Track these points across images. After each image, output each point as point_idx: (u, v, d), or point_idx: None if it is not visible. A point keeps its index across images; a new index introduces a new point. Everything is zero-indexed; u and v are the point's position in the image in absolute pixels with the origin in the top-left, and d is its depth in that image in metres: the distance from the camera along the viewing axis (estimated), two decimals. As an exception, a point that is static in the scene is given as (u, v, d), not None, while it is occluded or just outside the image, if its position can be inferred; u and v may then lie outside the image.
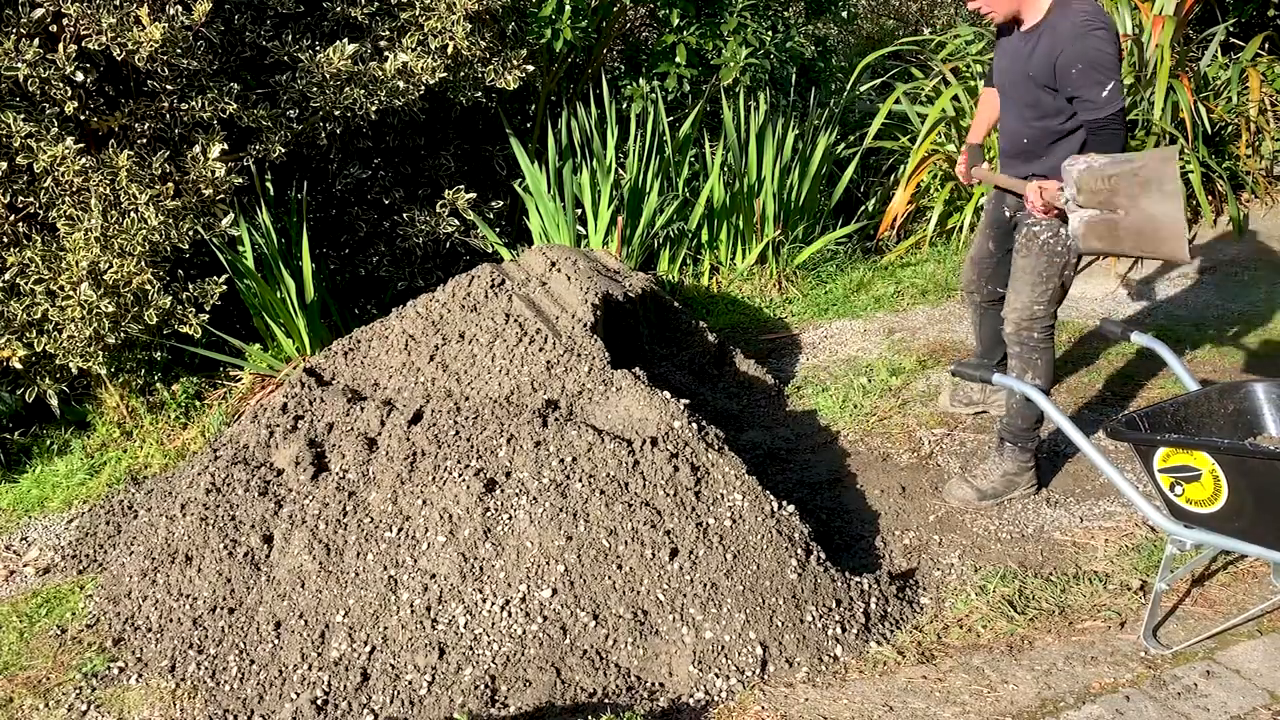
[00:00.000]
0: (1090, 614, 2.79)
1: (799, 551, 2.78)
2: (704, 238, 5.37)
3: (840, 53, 7.50)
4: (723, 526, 2.80)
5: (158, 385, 4.26)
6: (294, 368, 4.14)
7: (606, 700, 2.54)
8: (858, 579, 2.81)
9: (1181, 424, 2.68)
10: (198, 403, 4.28)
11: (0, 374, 4.06)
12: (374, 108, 4.28)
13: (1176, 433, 2.63)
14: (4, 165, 3.66)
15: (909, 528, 3.27)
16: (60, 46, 3.66)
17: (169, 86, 3.98)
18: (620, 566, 2.73)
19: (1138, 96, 5.29)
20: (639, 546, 2.75)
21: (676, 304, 4.33)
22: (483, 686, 2.57)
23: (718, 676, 2.59)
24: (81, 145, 3.72)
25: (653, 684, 2.60)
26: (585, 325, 3.48)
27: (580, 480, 2.87)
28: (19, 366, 3.88)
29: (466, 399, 3.29)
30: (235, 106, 4.01)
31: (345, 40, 4.22)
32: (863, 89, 6.50)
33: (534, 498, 2.84)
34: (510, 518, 2.82)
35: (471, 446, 3.03)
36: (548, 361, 3.35)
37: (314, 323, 4.38)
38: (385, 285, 4.92)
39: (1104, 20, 2.91)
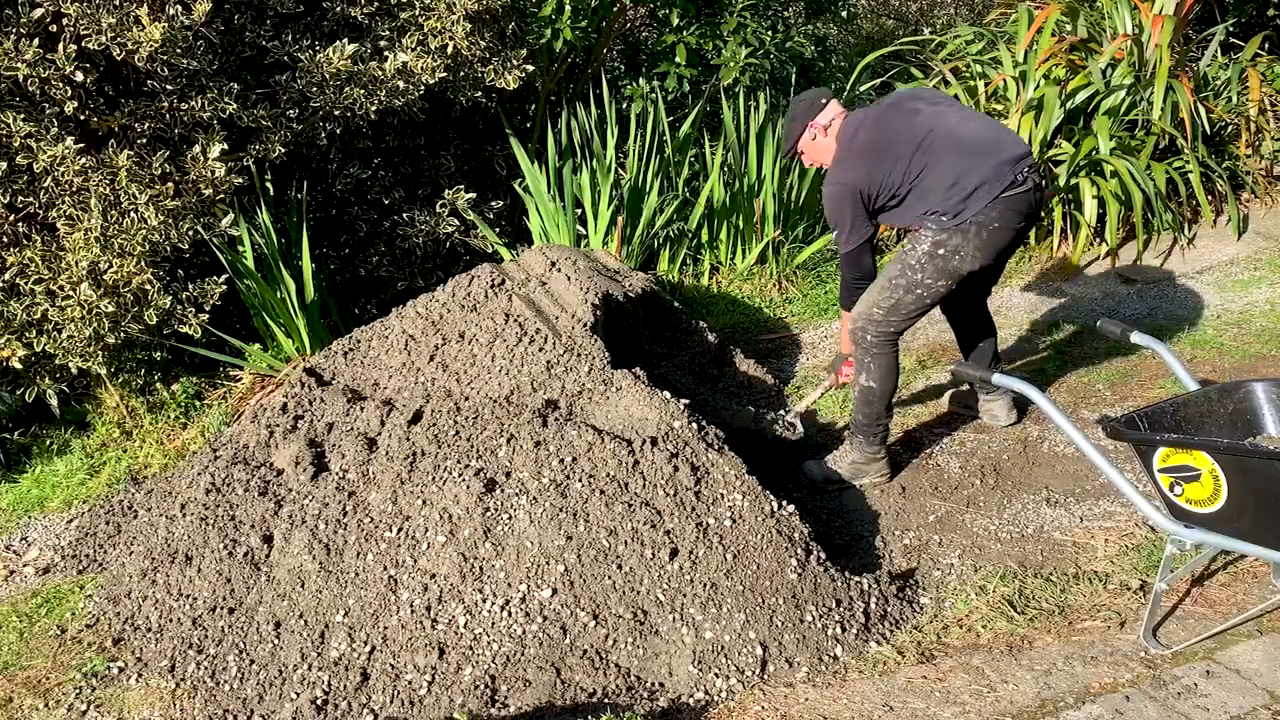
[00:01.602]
0: (1090, 614, 2.79)
1: (799, 551, 2.78)
2: (704, 238, 5.37)
3: (840, 53, 7.50)
4: (723, 526, 2.80)
5: (158, 385, 4.26)
6: (294, 368, 4.14)
7: (606, 700, 2.54)
8: (858, 579, 2.81)
9: (1181, 424, 2.68)
10: (198, 403, 4.28)
11: (0, 374, 4.06)
12: (374, 108, 4.28)
13: (1176, 432, 2.63)
14: (4, 165, 3.66)
15: (909, 528, 3.27)
16: (60, 46, 3.66)
17: (169, 86, 3.98)
18: (620, 566, 2.73)
19: (1138, 96, 5.29)
20: (639, 546, 2.75)
21: (676, 304, 4.33)
22: (483, 686, 2.57)
23: (718, 676, 2.59)
24: (81, 145, 3.72)
25: (653, 684, 2.60)
26: (585, 325, 3.48)
27: (580, 480, 2.87)
28: (19, 366, 3.88)
29: (466, 399, 3.29)
30: (235, 106, 4.00)
31: (345, 40, 4.22)
32: (863, 89, 6.49)
33: (534, 498, 2.84)
34: (510, 518, 2.82)
35: (471, 446, 3.03)
36: (548, 361, 3.35)
37: (314, 323, 4.38)
38: (385, 285, 4.91)
39: (840, 179, 3.28)
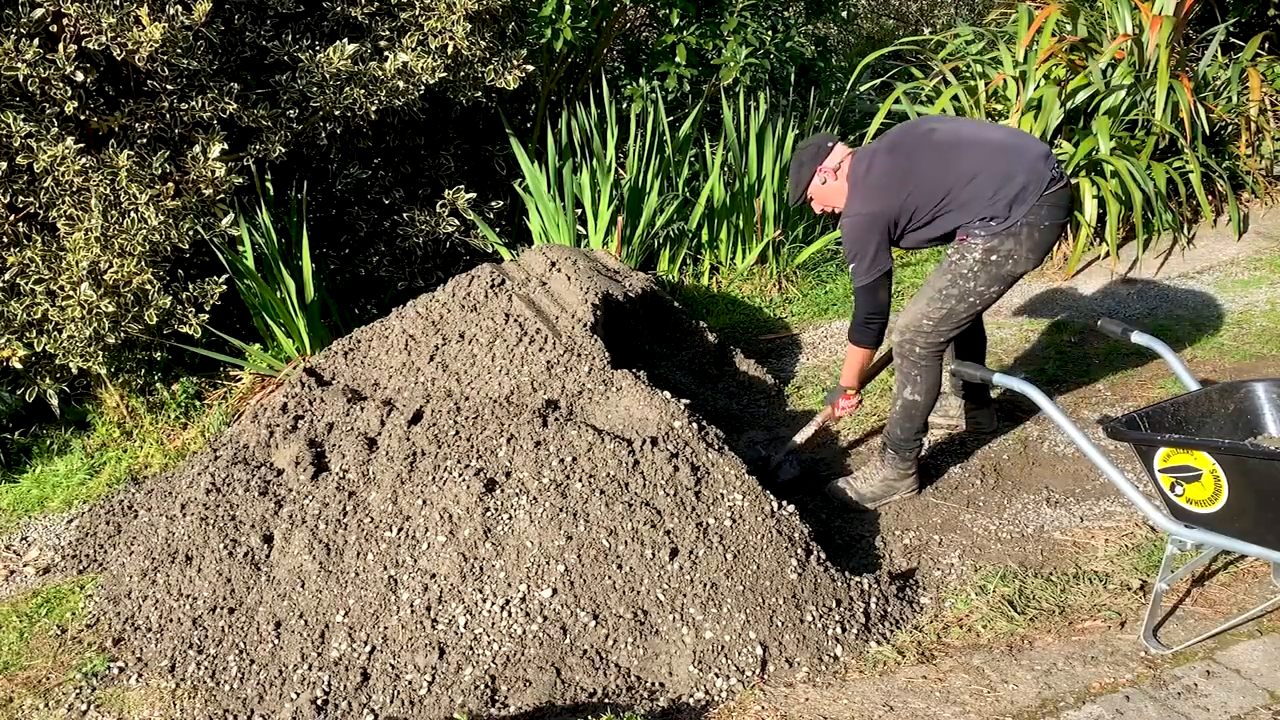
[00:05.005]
0: (1090, 614, 2.79)
1: (799, 551, 2.78)
2: (704, 238, 5.37)
3: (840, 53, 7.51)
4: (723, 526, 2.80)
5: (158, 385, 4.26)
6: (294, 368, 4.14)
7: (606, 700, 2.54)
8: (858, 579, 2.81)
9: (1182, 424, 2.68)
10: (198, 403, 4.28)
11: (0, 374, 4.06)
12: (374, 108, 4.28)
13: (1177, 432, 2.63)
14: (4, 165, 3.66)
15: (909, 528, 3.27)
16: (60, 46, 3.66)
17: (169, 86, 3.98)
18: (620, 566, 2.73)
19: (1138, 96, 5.29)
20: (639, 546, 2.75)
21: (676, 304, 4.33)
22: (483, 686, 2.57)
23: (718, 676, 2.59)
24: (81, 145, 3.72)
25: (653, 684, 2.60)
26: (585, 325, 3.48)
27: (580, 480, 2.87)
28: (19, 366, 3.88)
29: (466, 399, 3.29)
30: (235, 106, 4.00)
31: (345, 40, 4.22)
32: (863, 89, 6.50)
33: (534, 498, 2.84)
34: (510, 518, 2.82)
35: (471, 446, 3.03)
36: (548, 361, 3.35)
37: (314, 323, 4.38)
38: (385, 285, 4.92)
39: (861, 209, 3.21)
